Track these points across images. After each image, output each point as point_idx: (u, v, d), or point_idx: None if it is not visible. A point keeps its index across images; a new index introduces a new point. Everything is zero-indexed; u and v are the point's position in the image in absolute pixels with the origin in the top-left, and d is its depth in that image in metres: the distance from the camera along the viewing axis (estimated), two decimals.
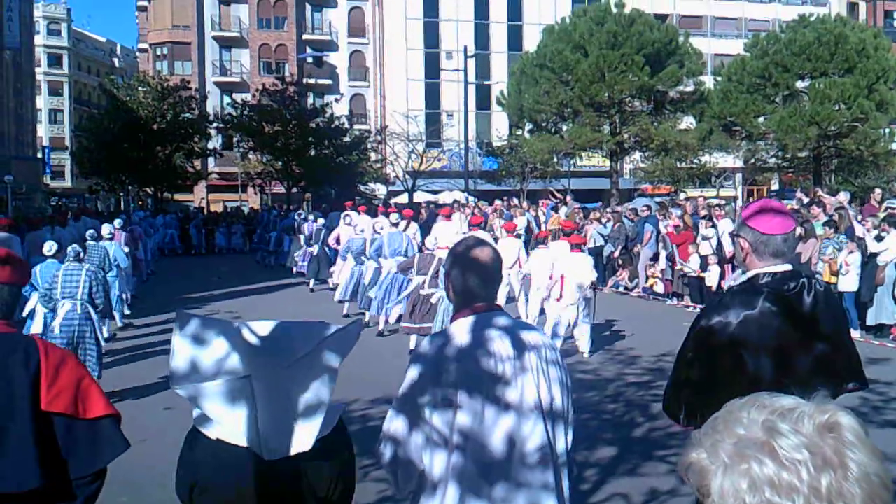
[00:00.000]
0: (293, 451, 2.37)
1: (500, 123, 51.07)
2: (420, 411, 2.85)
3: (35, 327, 9.98)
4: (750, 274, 3.35)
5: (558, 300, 11.83)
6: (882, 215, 14.16)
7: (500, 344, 2.90)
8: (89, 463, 2.96)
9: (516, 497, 2.85)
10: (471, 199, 35.38)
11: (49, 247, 10.75)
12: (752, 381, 3.18)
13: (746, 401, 1.29)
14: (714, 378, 3.27)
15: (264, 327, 2.47)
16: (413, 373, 2.92)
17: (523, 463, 2.87)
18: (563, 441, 2.99)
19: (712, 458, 1.22)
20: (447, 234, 16.07)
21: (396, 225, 15.62)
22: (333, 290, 19.38)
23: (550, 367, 2.98)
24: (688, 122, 40.14)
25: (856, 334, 13.05)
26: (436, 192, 44.96)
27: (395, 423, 2.90)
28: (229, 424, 2.34)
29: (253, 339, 2.41)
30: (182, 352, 2.37)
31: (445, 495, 2.83)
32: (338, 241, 19.72)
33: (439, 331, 3.06)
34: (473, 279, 3.03)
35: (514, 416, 2.87)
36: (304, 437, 2.38)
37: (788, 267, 3.31)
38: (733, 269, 15.07)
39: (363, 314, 14.68)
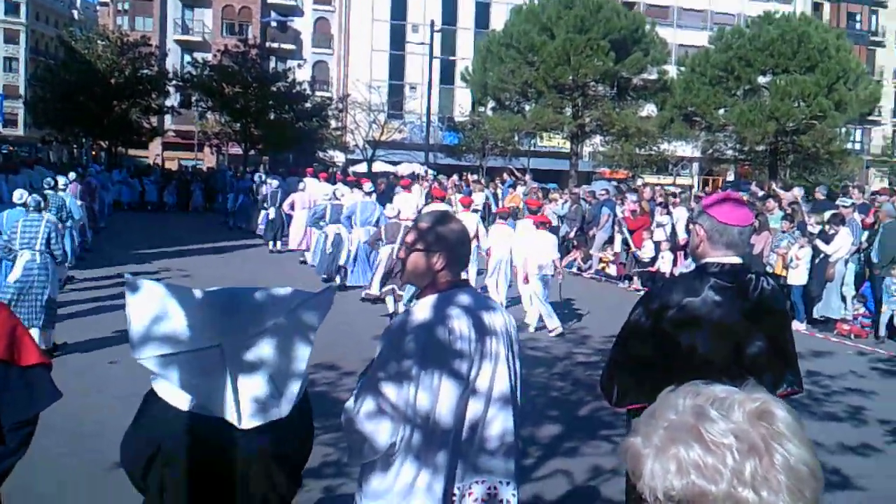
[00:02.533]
0: (267, 420, 2.31)
1: (463, 99, 50.91)
2: (383, 387, 2.81)
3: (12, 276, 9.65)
4: (701, 262, 3.36)
5: (525, 281, 11.93)
6: (828, 214, 14.35)
7: (461, 322, 2.87)
8: (23, 410, 2.88)
9: (464, 473, 2.86)
10: (430, 172, 35.31)
11: (20, 195, 10.40)
12: (685, 366, 3.20)
13: (682, 388, 1.32)
14: (649, 360, 3.30)
15: (232, 292, 2.40)
16: (380, 349, 2.90)
17: (473, 441, 2.87)
18: (511, 421, 2.96)
19: (645, 442, 1.24)
20: (408, 205, 16.05)
21: (370, 195, 15.49)
22: (288, 251, 19.43)
23: (510, 350, 2.97)
24: (649, 109, 40.48)
25: (801, 327, 13.31)
26: (395, 164, 44.79)
27: (359, 397, 2.86)
28: (202, 395, 2.27)
29: (221, 306, 2.34)
30: (141, 320, 2.28)
31: (400, 470, 2.81)
32: (292, 207, 19.69)
33: (406, 309, 3.03)
34: (441, 255, 2.99)
35: (473, 398, 2.86)
36: (281, 404, 2.33)
37: (739, 260, 3.32)
38: (685, 257, 15.22)
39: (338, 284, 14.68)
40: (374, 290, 12.95)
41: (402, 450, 2.80)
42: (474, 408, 2.85)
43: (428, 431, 2.81)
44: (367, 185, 16.16)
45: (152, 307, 2.30)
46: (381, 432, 2.80)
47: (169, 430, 2.29)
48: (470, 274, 13.95)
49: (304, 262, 18.13)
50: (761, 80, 37.17)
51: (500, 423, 2.89)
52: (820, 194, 17.52)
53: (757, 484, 1.16)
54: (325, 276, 15.33)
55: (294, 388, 2.36)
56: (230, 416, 2.28)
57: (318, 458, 6.18)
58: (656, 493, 1.20)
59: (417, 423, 2.80)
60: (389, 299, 12.06)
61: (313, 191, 19.58)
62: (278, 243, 20.42)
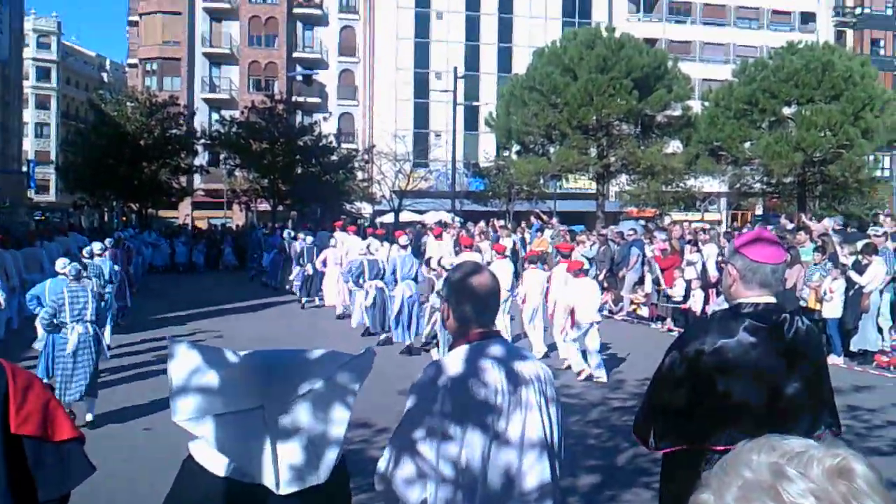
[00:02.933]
0: (307, 485, 2.29)
1: (487, 144, 51.18)
2: (414, 443, 2.81)
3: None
4: (734, 302, 3.33)
5: (571, 327, 11.90)
6: (860, 245, 14.19)
7: (493, 373, 2.86)
8: (57, 486, 2.88)
9: None
10: (456, 219, 35.40)
11: (63, 264, 10.38)
12: (723, 409, 3.18)
13: (756, 442, 1.26)
14: (684, 404, 3.25)
15: (275, 354, 2.40)
16: (409, 404, 2.89)
17: (512, 496, 2.82)
18: (552, 474, 2.93)
19: (718, 501, 1.19)
20: (442, 253, 16.10)
21: (405, 248, 15.48)
22: (322, 307, 19.46)
23: (544, 398, 2.94)
24: (674, 146, 40.37)
25: (839, 360, 13.09)
26: (422, 213, 44.95)
27: (390, 456, 2.86)
28: (240, 459, 2.25)
29: (263, 369, 2.33)
30: (183, 380, 2.27)
31: None
32: (325, 263, 19.71)
33: (436, 361, 3.02)
34: (469, 306, 2.99)
35: (506, 449, 2.82)
36: (319, 469, 2.31)
37: (773, 299, 3.28)
38: (717, 295, 15.07)
39: (385, 339, 14.75)
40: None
41: None
42: (508, 459, 2.82)
43: (462, 486, 2.78)
44: (403, 239, 16.13)
45: (194, 368, 2.30)
46: (415, 491, 2.79)
47: (205, 497, 2.27)
48: (504, 322, 13.95)
49: (341, 318, 18.13)
50: (786, 111, 37.02)
51: (536, 475, 2.85)
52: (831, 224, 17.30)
53: None
54: (374, 332, 15.18)
55: (332, 453, 2.34)
56: (268, 481, 2.26)
57: None
58: None
59: (451, 479, 2.77)
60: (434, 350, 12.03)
61: (345, 246, 19.65)
62: (315, 299, 20.47)
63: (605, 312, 19.36)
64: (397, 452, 2.84)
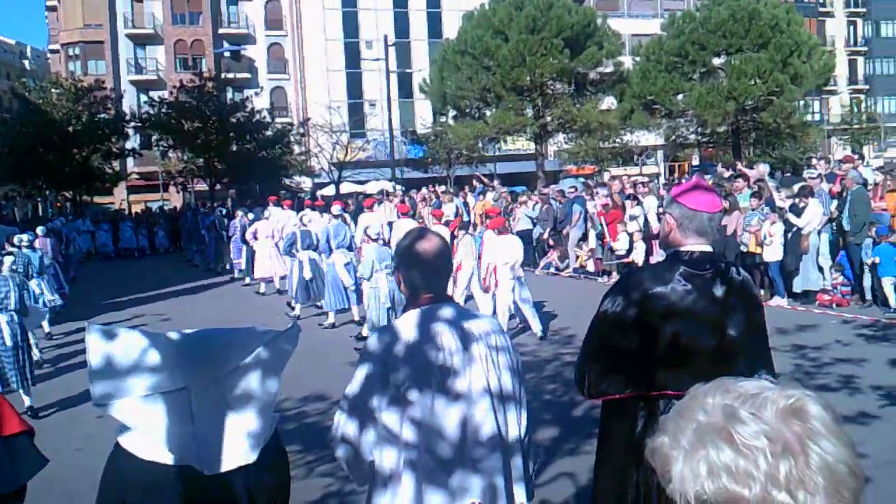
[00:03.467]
0: (236, 465, 2.24)
1: (423, 111, 50.97)
2: (370, 410, 2.81)
3: None
4: (671, 250, 3.34)
5: (495, 287, 11.89)
6: (796, 188, 14.48)
7: (446, 336, 2.87)
8: (9, 481, 2.80)
9: (471, 484, 2.82)
10: (398, 187, 35.27)
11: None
12: (655, 354, 3.21)
13: (711, 385, 1.27)
14: (618, 349, 3.28)
15: (197, 335, 2.33)
16: (361, 372, 2.87)
17: (476, 451, 2.84)
18: (516, 426, 2.95)
19: (674, 443, 1.20)
20: (373, 225, 16.01)
21: (340, 217, 15.37)
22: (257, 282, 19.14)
23: (500, 354, 2.95)
24: (609, 102, 40.72)
25: (783, 302, 13.39)
26: (362, 183, 44.69)
27: (344, 424, 2.86)
28: (166, 441, 2.19)
29: (187, 349, 2.27)
30: (102, 366, 2.20)
31: (400, 489, 2.79)
32: (255, 237, 19.34)
33: (386, 326, 3.00)
34: (417, 271, 3.00)
35: (464, 406, 2.83)
36: (248, 448, 2.26)
37: (709, 248, 3.30)
38: (661, 246, 15.26)
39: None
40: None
41: (404, 469, 2.78)
42: (464, 415, 2.83)
43: (423, 447, 2.79)
44: (336, 208, 16.01)
45: (114, 352, 2.23)
46: (374, 454, 2.82)
47: (134, 480, 2.21)
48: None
49: (281, 292, 17.92)
50: (716, 61, 37.51)
51: (489, 426, 2.85)
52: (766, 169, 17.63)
53: (793, 486, 1.12)
54: (307, 305, 15.21)
55: (262, 430, 2.30)
56: (197, 462, 2.21)
57: (320, 490, 6.13)
58: (687, 496, 1.16)
59: (413, 441, 2.78)
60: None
61: (278, 219, 19.38)
62: (247, 278, 20.22)
63: (552, 270, 19.55)
64: (353, 418, 2.83)
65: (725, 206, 14.65)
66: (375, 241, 12.25)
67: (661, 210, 15.71)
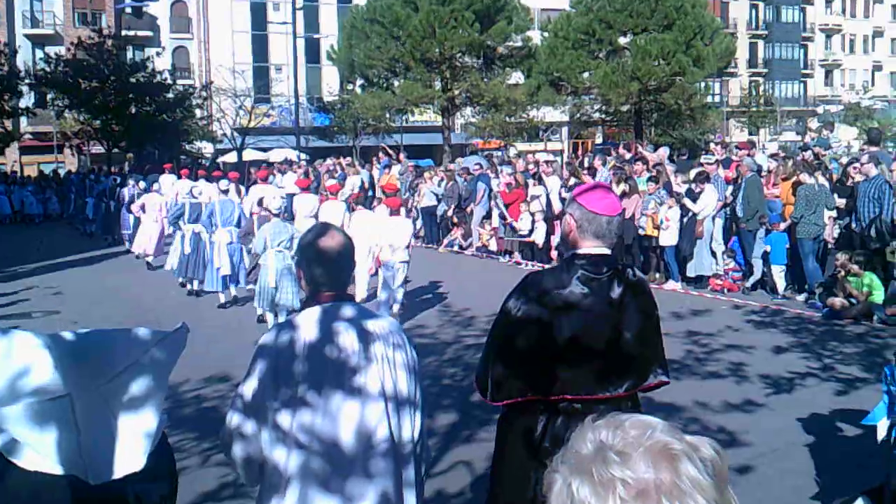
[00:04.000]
0: (123, 473, 2.17)
1: (331, 78, 50.27)
2: (263, 409, 2.76)
3: None
4: (569, 252, 3.38)
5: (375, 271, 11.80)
6: (693, 173, 14.83)
7: (345, 336, 2.84)
8: None
9: (363, 490, 2.80)
10: (303, 156, 34.81)
11: None
12: (554, 360, 3.27)
13: (604, 420, 1.27)
14: (519, 354, 3.31)
15: (78, 338, 2.24)
16: (256, 367, 2.81)
17: (369, 455, 2.81)
18: (410, 430, 2.94)
19: (555, 467, 1.24)
20: (276, 199, 15.71)
21: (226, 192, 14.91)
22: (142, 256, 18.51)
23: (397, 354, 2.93)
24: (517, 77, 40.89)
25: (677, 286, 13.76)
26: (266, 150, 43.93)
27: (237, 421, 2.80)
28: (48, 450, 2.10)
29: (68, 352, 2.17)
30: None
31: (289, 493, 2.75)
32: (143, 209, 18.50)
33: (284, 321, 2.95)
34: (319, 269, 2.96)
35: (358, 408, 2.81)
36: (134, 455, 2.19)
37: (607, 251, 3.36)
38: (561, 246, 15.44)
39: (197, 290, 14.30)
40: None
41: (296, 471, 2.74)
42: (361, 417, 2.81)
43: (321, 450, 2.75)
44: (223, 183, 15.45)
45: None
46: (258, 455, 2.79)
47: (16, 492, 2.12)
48: None
49: (151, 268, 17.49)
50: (622, 41, 37.98)
51: (382, 429, 2.84)
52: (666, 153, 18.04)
53: None
54: (182, 280, 14.79)
55: (147, 437, 2.23)
56: (82, 471, 2.13)
57: (216, 480, 6.02)
58: None
59: (306, 443, 2.74)
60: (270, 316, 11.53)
61: (168, 190, 18.73)
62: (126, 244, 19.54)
63: (456, 248, 19.63)
64: (245, 416, 2.78)
65: (625, 188, 14.96)
66: (277, 216, 11.84)
67: (562, 195, 15.92)
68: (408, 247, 11.79)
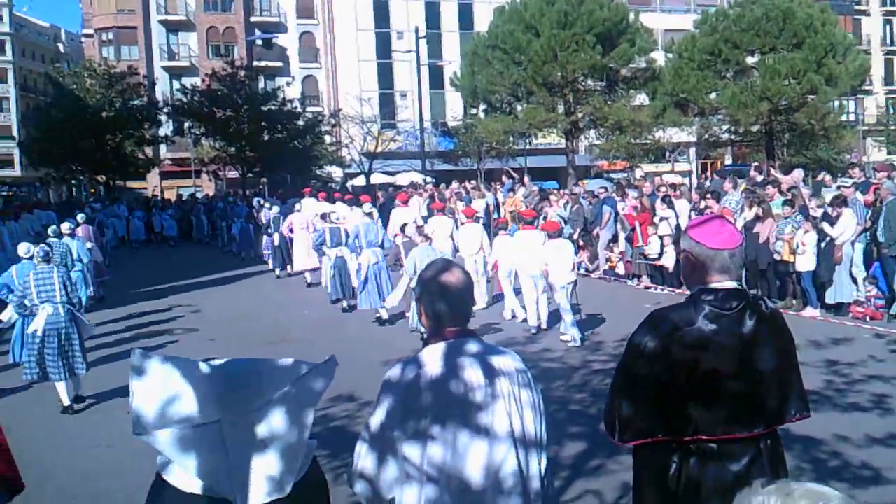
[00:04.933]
0: (269, 498, 2.28)
1: (454, 103, 50.88)
2: (391, 443, 2.81)
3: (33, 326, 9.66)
4: (695, 289, 3.31)
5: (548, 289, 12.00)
6: (829, 196, 14.31)
7: (471, 371, 2.86)
8: None
9: None
10: (428, 179, 35.30)
11: (26, 249, 10.27)
12: (685, 399, 3.16)
13: (772, 486, 1.26)
14: (646, 393, 3.22)
15: (232, 367, 2.37)
16: (384, 403, 2.87)
17: (497, 491, 2.83)
18: (537, 468, 2.94)
19: None
20: (408, 219, 16.12)
21: (370, 215, 15.45)
22: (294, 276, 19.37)
23: (523, 392, 2.94)
24: (641, 99, 40.37)
25: (816, 313, 13.27)
26: (392, 174, 44.76)
27: (365, 456, 2.86)
28: (199, 473, 2.24)
29: (221, 380, 2.30)
30: (143, 396, 2.25)
31: None
32: (291, 229, 19.56)
33: (411, 358, 3.00)
34: (443, 305, 2.99)
35: (486, 445, 2.83)
36: (282, 482, 2.29)
37: (733, 284, 3.25)
38: (684, 282, 15.13)
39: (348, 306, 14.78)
40: (389, 304, 13.07)
41: None
42: (487, 454, 2.83)
43: (446, 485, 2.79)
44: (367, 206, 16.09)
45: (154, 382, 2.27)
46: (395, 492, 2.82)
47: None
48: (480, 285, 14.05)
49: (311, 285, 18.10)
50: (750, 60, 37.06)
51: (509, 466, 2.85)
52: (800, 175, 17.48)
53: None
54: (335, 299, 15.32)
55: (294, 465, 2.32)
56: (230, 495, 2.24)
57: (346, 499, 6.09)
58: None
59: (436, 478, 2.78)
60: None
61: (310, 211, 19.50)
62: (288, 267, 20.36)
63: (582, 271, 19.49)
64: (374, 451, 2.84)
65: (759, 212, 14.58)
66: (427, 240, 12.29)
67: (691, 217, 15.61)
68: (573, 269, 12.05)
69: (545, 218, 20.42)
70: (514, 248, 13.22)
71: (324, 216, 16.64)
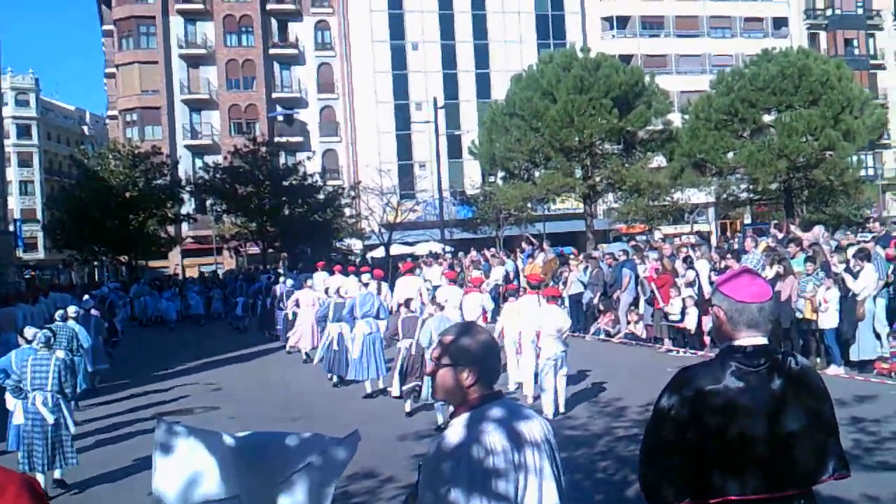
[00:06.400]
0: None
1: (472, 172, 51.30)
2: None
3: (16, 418, 9.63)
4: (723, 345, 3.25)
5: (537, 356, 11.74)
6: (851, 251, 14.18)
7: (496, 439, 2.81)
8: None
9: None
10: (447, 248, 35.37)
11: (32, 334, 10.26)
12: (713, 463, 3.09)
13: None
14: (674, 457, 3.14)
15: (254, 440, 2.34)
16: (419, 479, 2.89)
17: None
18: None
19: None
20: (413, 291, 16.09)
21: (367, 286, 15.40)
22: (292, 352, 19.15)
23: (545, 463, 2.89)
24: (658, 160, 40.51)
25: (840, 371, 13.06)
26: (412, 244, 44.92)
27: None
28: None
29: (243, 454, 2.27)
30: (166, 470, 2.22)
31: None
32: (297, 305, 19.25)
33: (441, 435, 2.96)
34: (468, 369, 2.94)
35: None
36: None
37: (762, 340, 3.18)
38: (713, 338, 14.98)
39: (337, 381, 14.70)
40: (395, 391, 12.67)
41: None
42: None
43: None
44: (365, 277, 16.01)
45: (177, 460, 2.24)
46: None
47: None
48: None
49: (308, 361, 17.77)
50: (766, 118, 37.23)
51: None
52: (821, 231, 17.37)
53: None
54: (330, 376, 15.13)
55: None
56: None
57: None
58: None
59: None
60: (438, 413, 11.55)
61: (320, 286, 19.34)
62: (290, 338, 20.01)
63: (603, 336, 19.34)
64: None
65: (780, 270, 14.45)
66: (440, 308, 12.21)
67: (712, 279, 15.50)
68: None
69: (564, 283, 20.50)
70: (519, 313, 13.05)
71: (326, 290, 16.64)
